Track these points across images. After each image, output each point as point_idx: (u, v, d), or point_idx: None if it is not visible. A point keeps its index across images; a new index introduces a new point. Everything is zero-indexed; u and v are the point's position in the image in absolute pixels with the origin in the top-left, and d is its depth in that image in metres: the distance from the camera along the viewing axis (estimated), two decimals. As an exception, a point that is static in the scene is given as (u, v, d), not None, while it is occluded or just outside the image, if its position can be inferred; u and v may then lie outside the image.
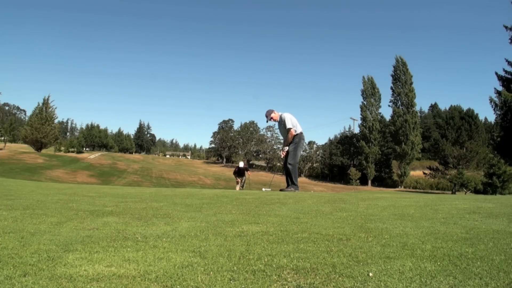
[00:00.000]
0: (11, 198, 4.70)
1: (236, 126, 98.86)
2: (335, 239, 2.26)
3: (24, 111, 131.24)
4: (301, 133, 7.23)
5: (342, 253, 1.92)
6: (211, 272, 1.61)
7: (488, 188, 35.38)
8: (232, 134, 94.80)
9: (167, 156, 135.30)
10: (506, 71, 30.35)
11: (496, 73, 30.78)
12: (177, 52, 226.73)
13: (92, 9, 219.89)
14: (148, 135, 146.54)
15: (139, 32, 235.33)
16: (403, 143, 58.24)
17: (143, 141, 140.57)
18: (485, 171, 40.64)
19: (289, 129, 7.07)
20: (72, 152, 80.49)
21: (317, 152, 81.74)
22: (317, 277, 1.56)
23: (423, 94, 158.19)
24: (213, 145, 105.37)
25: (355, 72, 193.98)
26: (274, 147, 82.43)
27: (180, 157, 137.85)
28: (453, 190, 46.31)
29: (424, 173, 55.46)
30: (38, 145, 64.37)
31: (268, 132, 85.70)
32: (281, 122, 7.22)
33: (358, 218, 3.14)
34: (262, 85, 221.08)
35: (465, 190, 43.41)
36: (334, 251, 1.97)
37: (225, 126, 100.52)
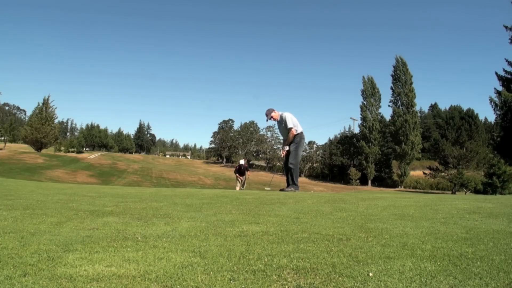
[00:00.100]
0: (11, 198, 4.70)
1: (236, 126, 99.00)
2: (335, 239, 2.26)
3: (24, 111, 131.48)
4: (301, 132, 7.23)
5: (342, 253, 1.92)
6: (211, 272, 1.61)
7: (488, 188, 35.39)
8: (232, 134, 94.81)
9: (167, 156, 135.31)
10: (506, 71, 30.36)
11: (496, 73, 30.81)
12: (177, 52, 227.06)
13: (92, 9, 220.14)
14: (148, 135, 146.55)
15: (139, 32, 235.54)
16: (403, 143, 58.25)
17: (143, 141, 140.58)
18: (485, 171, 40.65)
19: (290, 128, 7.06)
20: (72, 152, 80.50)
21: (317, 152, 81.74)
22: (317, 277, 1.56)
23: (423, 94, 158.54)
24: (213, 145, 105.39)
25: (355, 72, 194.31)
26: (274, 147, 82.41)
27: (180, 157, 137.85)
28: (453, 190, 46.32)
29: (424, 173, 55.47)
30: (38, 145, 64.37)
31: (268, 132, 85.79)
32: (282, 122, 7.21)
33: (358, 218, 3.14)
34: (262, 85, 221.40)
35: (465, 190, 43.42)
36: (334, 251, 1.97)
37: (225, 126, 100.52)
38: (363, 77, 66.21)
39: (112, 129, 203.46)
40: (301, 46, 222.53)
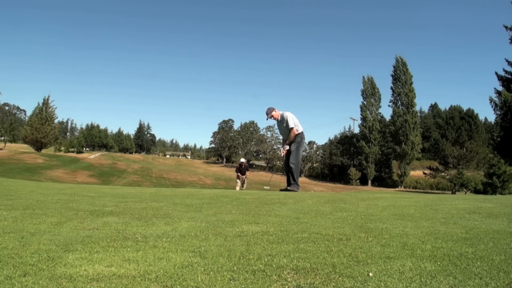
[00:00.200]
0: (11, 198, 4.70)
1: (236, 126, 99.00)
2: (335, 239, 2.26)
3: (24, 111, 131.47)
4: (302, 132, 7.23)
5: (342, 253, 1.92)
6: (211, 272, 1.61)
7: (488, 188, 35.39)
8: (232, 134, 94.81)
9: (167, 156, 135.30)
10: (506, 71, 30.37)
11: (496, 73, 30.82)
12: (177, 52, 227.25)
13: (92, 9, 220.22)
14: (148, 135, 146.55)
15: (139, 32, 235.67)
16: (403, 143, 58.24)
17: (143, 141, 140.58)
18: (485, 171, 40.65)
19: (292, 128, 7.05)
20: (72, 152, 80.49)
21: (317, 152, 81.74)
22: (317, 277, 1.56)
23: (423, 94, 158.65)
24: (213, 145, 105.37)
25: (355, 72, 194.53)
26: (274, 147, 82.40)
27: (180, 157, 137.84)
28: (453, 190, 46.32)
29: (424, 173, 55.47)
30: (38, 145, 64.37)
31: (268, 132, 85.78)
32: (283, 121, 7.19)
33: (358, 218, 3.14)
34: (262, 85, 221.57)
35: (465, 190, 43.42)
36: (334, 251, 1.97)
37: (225, 126, 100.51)
38: (363, 77, 66.30)
39: (112, 129, 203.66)
40: (301, 46, 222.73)
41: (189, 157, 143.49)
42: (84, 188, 8.94)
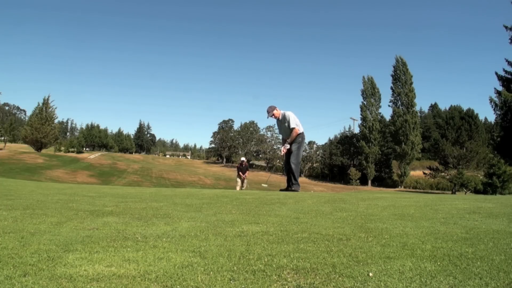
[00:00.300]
0: (11, 198, 4.70)
1: (236, 126, 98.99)
2: (335, 239, 2.26)
3: (24, 111, 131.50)
4: (302, 133, 7.23)
5: (342, 253, 1.91)
6: (211, 272, 1.61)
7: (488, 188, 35.38)
8: (232, 134, 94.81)
9: (167, 156, 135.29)
10: (506, 71, 30.36)
11: (496, 73, 30.82)
12: (177, 52, 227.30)
13: (92, 9, 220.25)
14: (148, 135, 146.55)
15: (139, 32, 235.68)
16: (403, 143, 58.24)
17: (143, 141, 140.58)
18: (485, 171, 40.64)
19: (293, 128, 7.05)
20: (72, 152, 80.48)
21: (317, 152, 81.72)
22: (317, 277, 1.56)
23: (423, 94, 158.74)
24: (213, 145, 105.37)
25: (355, 72, 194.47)
26: (274, 147, 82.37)
27: (180, 157, 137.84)
28: (453, 190, 46.31)
29: (424, 173, 55.47)
30: (38, 145, 64.36)
31: (268, 132, 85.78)
32: (284, 121, 7.17)
33: (358, 218, 3.14)
34: (262, 85, 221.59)
35: (465, 190, 43.41)
36: (334, 251, 1.97)
37: (225, 126, 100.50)
38: (363, 77, 66.28)
39: (112, 129, 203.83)
40: (301, 46, 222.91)
41: (189, 157, 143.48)
42: (84, 188, 8.94)
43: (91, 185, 19.70)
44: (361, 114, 65.50)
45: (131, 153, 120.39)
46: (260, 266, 1.70)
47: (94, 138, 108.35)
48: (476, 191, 39.82)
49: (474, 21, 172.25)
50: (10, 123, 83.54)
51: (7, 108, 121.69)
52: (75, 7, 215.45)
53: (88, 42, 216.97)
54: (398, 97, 60.32)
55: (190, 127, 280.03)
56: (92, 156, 71.11)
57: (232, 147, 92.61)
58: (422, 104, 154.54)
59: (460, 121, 55.99)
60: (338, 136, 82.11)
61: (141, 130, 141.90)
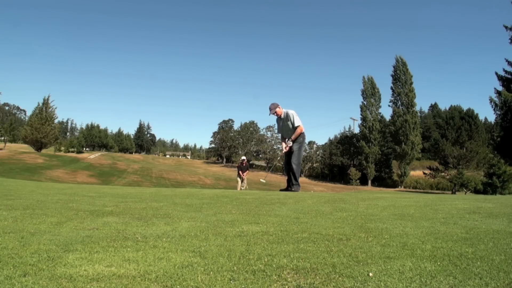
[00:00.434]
0: (11, 198, 4.70)
1: (236, 126, 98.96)
2: (335, 239, 2.26)
3: (24, 111, 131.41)
4: (303, 132, 7.23)
5: (342, 253, 1.92)
6: (211, 272, 1.61)
7: (488, 188, 35.38)
8: (232, 134, 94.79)
9: (167, 156, 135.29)
10: (506, 71, 30.36)
11: (496, 73, 30.82)
12: (177, 52, 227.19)
13: (92, 9, 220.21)
14: (148, 135, 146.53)
15: (139, 32, 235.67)
16: (403, 143, 58.24)
17: (143, 141, 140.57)
18: (485, 171, 40.66)
19: (298, 126, 7.03)
20: (72, 152, 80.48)
21: (317, 152, 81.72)
22: (317, 277, 1.56)
23: (423, 94, 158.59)
24: (213, 145, 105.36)
25: (355, 72, 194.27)
26: (274, 147, 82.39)
27: (180, 157, 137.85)
28: (453, 190, 46.31)
29: (424, 173, 55.47)
30: (38, 145, 64.36)
31: (268, 132, 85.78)
32: (287, 119, 7.12)
33: (358, 218, 3.14)
34: (262, 85, 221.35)
35: (465, 190, 43.41)
36: (334, 251, 1.97)
37: (225, 126, 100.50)
38: (363, 77, 66.28)
39: (112, 129, 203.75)
40: (301, 46, 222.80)
41: (189, 157, 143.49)
42: (84, 188, 8.95)
43: (91, 185, 19.70)
44: (361, 114, 65.53)
45: (131, 153, 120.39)
46: (260, 266, 1.70)
47: (94, 138, 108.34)
48: (476, 191, 39.82)
49: (474, 21, 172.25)
50: (10, 123, 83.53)
51: (7, 108, 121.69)
52: (75, 7, 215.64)
53: (88, 42, 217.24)
54: (398, 97, 60.33)
55: (190, 127, 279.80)
56: (92, 156, 71.11)
57: (232, 147, 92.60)
58: (422, 104, 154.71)
59: (460, 121, 56.01)
60: (338, 136, 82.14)
61: (141, 130, 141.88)
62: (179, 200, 4.71)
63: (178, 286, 1.46)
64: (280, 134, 7.67)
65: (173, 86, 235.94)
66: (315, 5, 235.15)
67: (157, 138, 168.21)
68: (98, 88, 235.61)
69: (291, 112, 7.09)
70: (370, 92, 65.09)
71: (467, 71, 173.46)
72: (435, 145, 59.57)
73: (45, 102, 66.15)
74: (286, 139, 7.23)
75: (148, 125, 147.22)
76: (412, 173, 61.20)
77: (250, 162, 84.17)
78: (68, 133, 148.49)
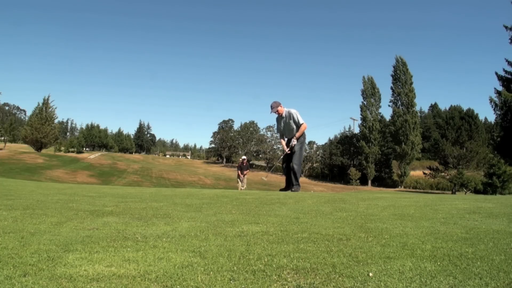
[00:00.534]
0: (11, 198, 4.70)
1: (236, 126, 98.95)
2: (335, 239, 2.26)
3: (24, 111, 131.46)
4: (304, 132, 7.23)
5: (342, 253, 1.92)
6: (211, 272, 1.61)
7: (488, 188, 35.36)
8: (232, 134, 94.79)
9: (167, 156, 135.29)
10: (506, 71, 30.35)
11: (496, 73, 30.81)
12: (177, 52, 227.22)
13: (92, 9, 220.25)
14: (148, 135, 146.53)
15: (139, 32, 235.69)
16: (403, 143, 58.25)
17: (143, 141, 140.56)
18: (485, 171, 40.64)
19: (302, 124, 7.02)
20: (72, 152, 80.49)
21: (317, 152, 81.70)
22: (317, 277, 1.56)
23: (423, 94, 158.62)
24: (213, 145, 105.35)
25: (355, 72, 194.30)
26: (274, 147, 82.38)
27: (180, 157, 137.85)
28: (453, 190, 46.31)
29: (424, 173, 55.47)
30: (38, 145, 64.35)
31: (268, 132, 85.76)
32: (289, 117, 7.10)
33: (358, 218, 3.14)
34: (262, 85, 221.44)
35: (465, 190, 43.40)
36: (334, 251, 1.97)
37: (225, 126, 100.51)
38: (363, 77, 66.27)
39: (112, 129, 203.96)
40: (301, 46, 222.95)
41: (189, 157, 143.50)
42: (84, 188, 8.95)
43: (91, 185, 19.70)
44: (361, 114, 65.52)
45: (131, 153, 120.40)
46: (260, 266, 1.70)
47: (94, 138, 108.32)
48: (476, 191, 39.81)
49: (474, 21, 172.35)
50: (10, 123, 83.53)
51: (7, 108, 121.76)
52: (75, 7, 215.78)
53: (88, 42, 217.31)
54: (398, 97, 60.34)
55: (190, 127, 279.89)
56: (92, 156, 71.10)
57: (232, 147, 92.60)
58: (422, 104, 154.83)
59: (460, 121, 56.00)
60: (338, 136, 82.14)
61: (141, 130, 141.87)
62: (179, 200, 4.71)
63: (178, 286, 1.46)
64: (279, 133, 7.64)
65: (173, 86, 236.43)
66: (315, 5, 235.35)
67: (157, 138, 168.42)
68: (98, 88, 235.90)
69: (294, 111, 7.07)
70: (370, 92, 65.08)
71: (467, 71, 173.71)
72: (435, 145, 59.60)
73: (45, 102, 66.13)
74: (289, 138, 7.22)
75: (148, 125, 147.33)
76: (412, 173, 61.20)
77: (250, 162, 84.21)
78: (68, 133, 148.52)
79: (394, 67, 61.00)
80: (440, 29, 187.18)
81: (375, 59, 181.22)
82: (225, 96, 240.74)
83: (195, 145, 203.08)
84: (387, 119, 65.39)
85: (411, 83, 59.77)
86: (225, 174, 62.63)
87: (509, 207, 3.87)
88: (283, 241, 2.22)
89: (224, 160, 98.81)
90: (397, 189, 56.24)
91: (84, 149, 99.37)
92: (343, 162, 71.27)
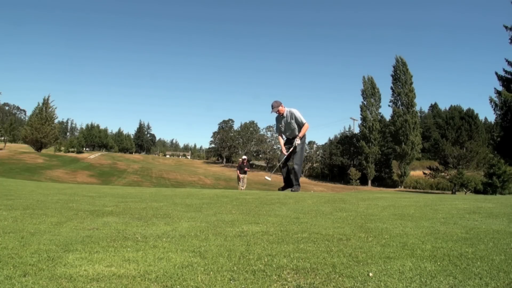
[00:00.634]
0: (11, 198, 4.70)
1: (236, 126, 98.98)
2: (335, 239, 2.26)
3: (24, 111, 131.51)
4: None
5: (342, 253, 1.92)
6: (211, 272, 1.61)
7: (488, 188, 35.36)
8: (232, 134, 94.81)
9: (167, 156, 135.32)
10: (506, 71, 30.36)
11: (496, 73, 30.81)
12: (177, 52, 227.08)
13: (92, 9, 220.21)
14: (148, 135, 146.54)
15: (139, 32, 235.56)
16: (403, 143, 58.25)
17: (143, 141, 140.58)
18: (485, 171, 40.63)
19: (304, 124, 7.03)
20: (72, 152, 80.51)
21: (317, 152, 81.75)
22: (317, 277, 1.56)
23: (423, 94, 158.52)
24: (213, 145, 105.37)
25: (355, 72, 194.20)
26: (274, 147, 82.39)
27: (180, 157, 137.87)
28: (453, 190, 46.31)
29: (424, 173, 55.47)
30: (38, 145, 64.36)
31: (268, 132, 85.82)
32: (291, 117, 7.08)
33: (358, 218, 3.14)
34: (262, 85, 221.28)
35: (465, 190, 43.40)
36: (334, 251, 1.97)
37: (225, 126, 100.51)
38: (363, 77, 66.28)
39: (112, 129, 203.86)
40: (301, 46, 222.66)
41: (189, 157, 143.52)
42: (84, 188, 8.95)
43: (91, 185, 19.70)
44: (361, 114, 65.53)
45: (131, 153, 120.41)
46: (260, 266, 1.70)
47: (94, 138, 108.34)
48: (476, 191, 39.81)
49: (474, 21, 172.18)
50: (10, 123, 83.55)
51: (7, 108, 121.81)
52: (75, 7, 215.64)
53: (88, 42, 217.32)
54: (398, 97, 60.35)
55: (190, 127, 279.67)
56: (92, 156, 71.11)
57: (232, 147, 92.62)
58: (422, 104, 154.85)
59: (460, 121, 56.01)
60: (338, 136, 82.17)
61: (141, 130, 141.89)
62: (179, 200, 4.71)
63: (178, 286, 1.46)
64: (277, 133, 7.62)
65: (173, 86, 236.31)
66: (315, 5, 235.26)
67: (157, 138, 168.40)
68: (98, 88, 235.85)
69: (294, 111, 7.07)
70: (370, 92, 65.09)
71: (467, 71, 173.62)
72: (435, 145, 59.59)
73: (45, 102, 66.14)
74: (290, 138, 7.23)
75: (148, 125, 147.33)
76: (412, 173, 61.21)
77: (250, 162, 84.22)
78: (68, 133, 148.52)
79: (394, 67, 61.04)
80: (440, 29, 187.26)
81: (375, 59, 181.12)
82: (225, 96, 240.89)
83: (195, 145, 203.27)
84: (387, 119, 65.41)
85: (411, 83, 59.79)
86: (225, 174, 62.64)
87: (509, 207, 3.87)
88: (283, 241, 2.22)
89: (224, 160, 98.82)
90: (397, 189, 56.24)
91: (84, 149, 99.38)
92: (343, 162, 71.27)
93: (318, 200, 4.64)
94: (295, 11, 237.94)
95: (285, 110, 7.15)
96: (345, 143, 72.73)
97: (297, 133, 7.10)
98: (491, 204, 4.11)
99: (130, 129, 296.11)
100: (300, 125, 7.06)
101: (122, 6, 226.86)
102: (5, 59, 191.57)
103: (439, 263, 1.73)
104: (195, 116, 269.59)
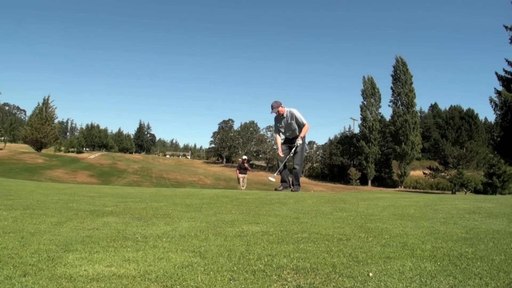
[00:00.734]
0: (11, 198, 4.70)
1: (236, 126, 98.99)
2: (335, 239, 2.26)
3: (24, 111, 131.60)
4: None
5: (342, 253, 1.91)
6: (211, 272, 1.61)
7: (488, 188, 35.36)
8: (232, 134, 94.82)
9: (167, 156, 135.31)
10: (506, 71, 30.36)
11: (496, 73, 30.82)
12: (177, 52, 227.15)
13: (92, 9, 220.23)
14: (148, 135, 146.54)
15: (139, 32, 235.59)
16: (403, 143, 58.26)
17: (143, 141, 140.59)
18: (485, 171, 40.64)
19: (305, 124, 7.05)
20: (72, 152, 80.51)
21: (317, 152, 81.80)
22: (317, 277, 1.56)
23: (423, 94, 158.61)
24: (213, 145, 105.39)
25: (355, 72, 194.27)
26: (274, 147, 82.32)
27: (180, 157, 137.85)
28: (453, 190, 46.31)
29: (424, 173, 55.47)
30: (38, 145, 64.36)
31: (268, 132, 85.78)
32: (291, 118, 7.07)
33: (358, 218, 3.14)
34: (262, 85, 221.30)
35: (465, 190, 43.40)
36: (334, 251, 1.97)
37: (225, 126, 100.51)
38: (363, 77, 66.31)
39: (112, 129, 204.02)
40: (301, 46, 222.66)
41: (189, 157, 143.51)
42: (84, 188, 8.95)
43: (91, 185, 19.70)
44: (361, 114, 65.55)
45: (131, 153, 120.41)
46: (260, 266, 1.70)
47: (94, 138, 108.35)
48: (476, 191, 39.81)
49: (474, 21, 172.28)
50: (10, 123, 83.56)
51: (7, 108, 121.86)
52: (75, 7, 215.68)
53: (88, 42, 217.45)
54: (398, 97, 60.36)
55: (190, 127, 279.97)
56: (92, 156, 71.10)
57: (232, 147, 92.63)
58: (422, 104, 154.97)
59: (460, 121, 56.03)
60: (338, 136, 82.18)
61: (141, 130, 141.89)
62: (179, 200, 4.71)
63: (178, 286, 1.46)
64: (276, 133, 7.59)
65: (173, 86, 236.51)
66: (315, 5, 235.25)
67: (157, 138, 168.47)
68: (98, 88, 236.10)
69: (294, 111, 7.07)
70: (370, 92, 65.09)
71: (467, 71, 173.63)
72: (435, 145, 59.59)
73: (45, 102, 66.14)
74: (290, 138, 7.23)
75: (148, 125, 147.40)
76: (412, 173, 61.22)
77: (250, 162, 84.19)
78: (68, 133, 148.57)
79: (394, 67, 61.05)
80: (440, 29, 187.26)
81: (375, 59, 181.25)
82: (225, 96, 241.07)
83: (195, 145, 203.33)
84: (387, 119, 65.42)
85: (411, 83, 59.80)
86: (225, 174, 62.63)
87: (509, 207, 3.87)
88: (283, 241, 2.22)
89: (224, 160, 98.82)
90: (397, 189, 56.24)
91: (84, 149, 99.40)
92: (343, 162, 71.27)
93: (318, 200, 4.64)
94: (295, 11, 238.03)
95: (285, 110, 7.14)
96: (345, 143, 72.74)
97: (297, 134, 7.10)
98: (491, 204, 4.11)
99: (130, 129, 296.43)
100: (301, 126, 7.07)
101: (122, 6, 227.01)
102: (5, 59, 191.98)
103: (439, 263, 1.73)
104: (195, 116, 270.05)
